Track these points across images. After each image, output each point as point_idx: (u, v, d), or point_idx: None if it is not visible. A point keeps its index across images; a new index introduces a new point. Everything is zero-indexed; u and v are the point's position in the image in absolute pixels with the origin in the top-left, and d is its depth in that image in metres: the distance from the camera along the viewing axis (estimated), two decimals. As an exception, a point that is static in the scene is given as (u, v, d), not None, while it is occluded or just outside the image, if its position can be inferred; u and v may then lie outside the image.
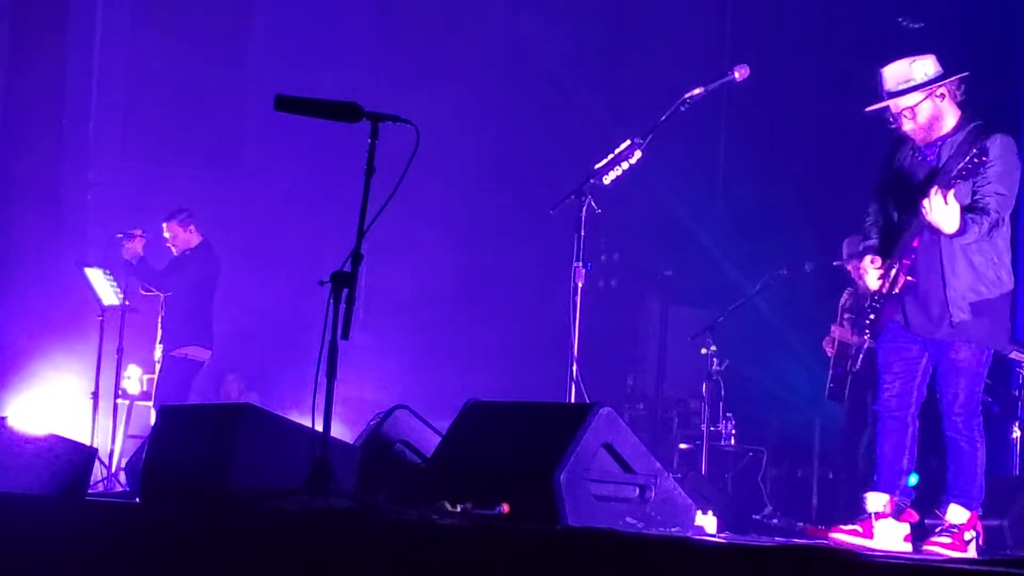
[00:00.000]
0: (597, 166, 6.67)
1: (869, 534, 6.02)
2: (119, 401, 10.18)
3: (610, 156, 6.65)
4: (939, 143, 6.09)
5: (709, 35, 12.07)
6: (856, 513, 6.26)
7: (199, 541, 4.57)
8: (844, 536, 6.04)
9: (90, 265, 10.13)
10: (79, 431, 9.21)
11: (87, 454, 6.30)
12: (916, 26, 10.56)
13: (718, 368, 9.73)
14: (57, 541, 4.94)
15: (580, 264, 6.65)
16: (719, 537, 6.07)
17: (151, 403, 10.20)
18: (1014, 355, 8.09)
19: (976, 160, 5.88)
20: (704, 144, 11.48)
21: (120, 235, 10.25)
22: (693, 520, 5.84)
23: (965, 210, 5.89)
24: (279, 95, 5.24)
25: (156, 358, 10.31)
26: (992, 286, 6.03)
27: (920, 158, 6.15)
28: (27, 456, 5.87)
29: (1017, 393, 8.33)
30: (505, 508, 5.16)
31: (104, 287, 10.00)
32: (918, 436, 6.25)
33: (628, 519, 5.47)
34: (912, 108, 6.06)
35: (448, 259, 12.35)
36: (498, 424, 5.88)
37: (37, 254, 11.54)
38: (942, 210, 5.80)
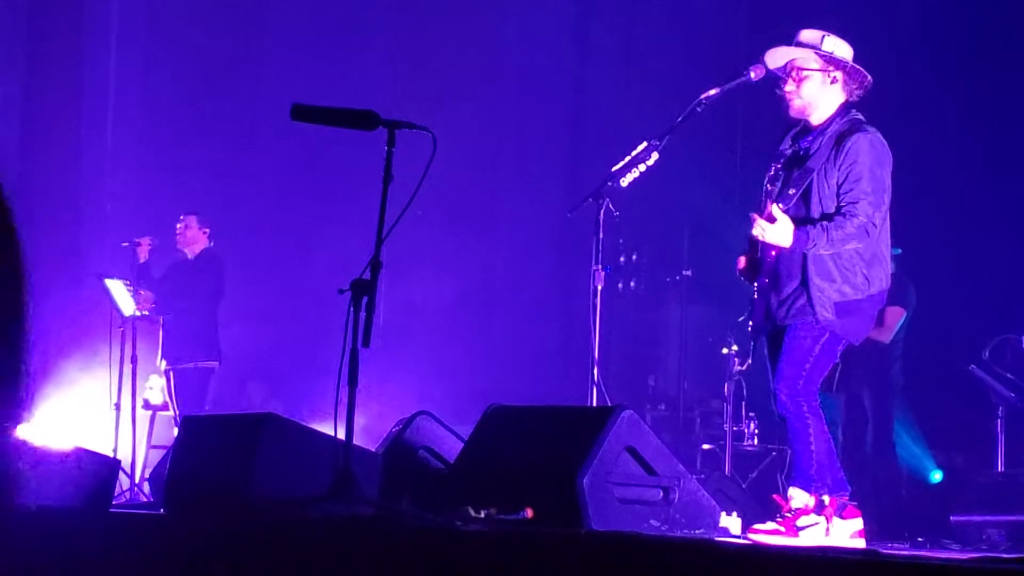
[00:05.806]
0: (614, 168, 6.67)
1: (793, 531, 5.81)
2: (141, 411, 10.19)
3: (627, 158, 6.64)
4: (813, 135, 6.02)
5: (724, 35, 12.04)
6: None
7: (223, 551, 4.57)
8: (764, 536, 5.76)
9: (110, 276, 10.17)
10: (102, 442, 9.24)
11: (111, 466, 6.32)
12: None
13: (739, 368, 9.69)
14: (83, 553, 4.95)
15: (599, 267, 6.65)
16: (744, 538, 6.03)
17: (171, 413, 10.25)
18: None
19: (836, 159, 5.85)
20: (721, 144, 11.44)
21: (125, 244, 10.30)
22: (718, 522, 5.81)
23: (825, 217, 5.84)
24: (295, 104, 5.24)
25: (161, 369, 10.34)
26: (856, 288, 5.90)
27: (796, 149, 6.10)
28: (51, 469, 5.88)
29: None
30: (529, 513, 5.15)
31: (125, 298, 10.03)
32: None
33: (652, 522, 5.46)
34: (801, 70, 6.01)
35: (466, 264, 12.35)
36: (520, 429, 5.88)
37: (57, 266, 11.57)
38: (773, 231, 5.83)
